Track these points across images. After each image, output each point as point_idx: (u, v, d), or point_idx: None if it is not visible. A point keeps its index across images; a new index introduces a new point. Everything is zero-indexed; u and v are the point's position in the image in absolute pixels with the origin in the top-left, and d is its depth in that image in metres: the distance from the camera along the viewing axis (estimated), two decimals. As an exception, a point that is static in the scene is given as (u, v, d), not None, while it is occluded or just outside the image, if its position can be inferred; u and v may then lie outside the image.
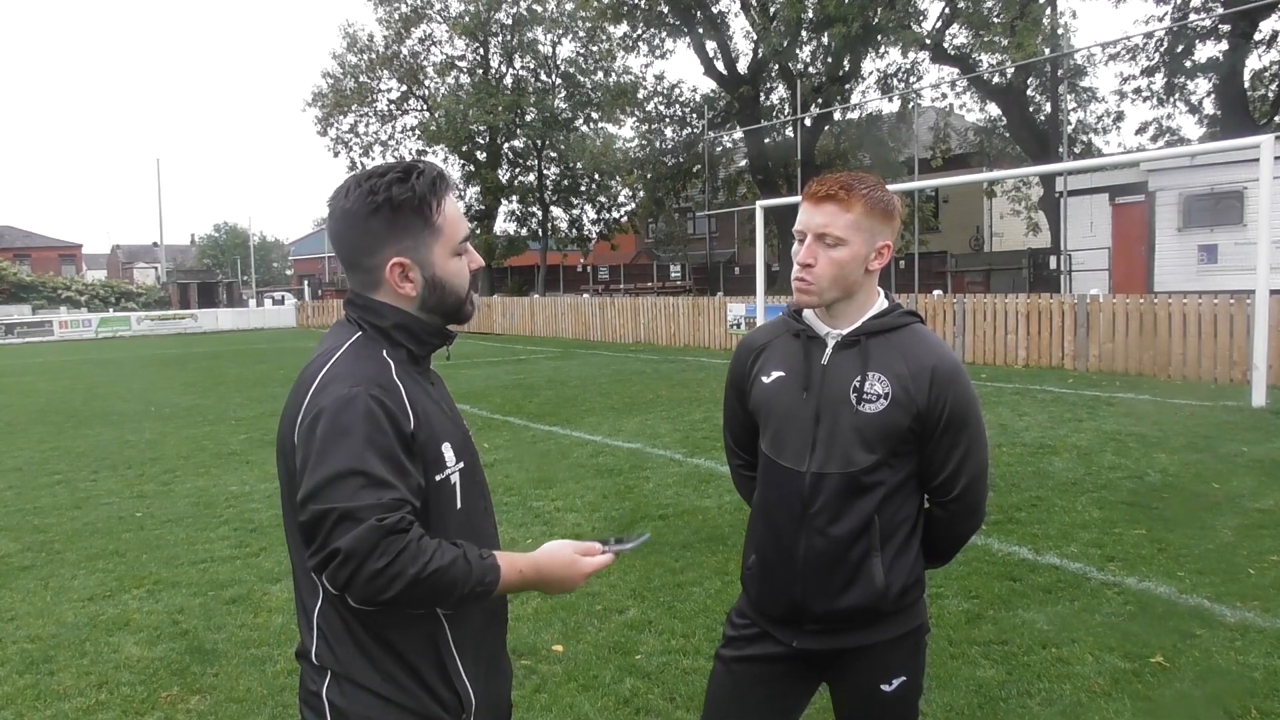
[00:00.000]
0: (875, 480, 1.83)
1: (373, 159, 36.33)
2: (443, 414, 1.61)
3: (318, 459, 1.42)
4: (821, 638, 1.88)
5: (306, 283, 53.80)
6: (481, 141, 35.30)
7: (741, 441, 2.10)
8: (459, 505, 1.58)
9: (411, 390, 1.53)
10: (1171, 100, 23.59)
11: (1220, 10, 20.59)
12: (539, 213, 36.88)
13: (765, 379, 1.93)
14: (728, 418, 2.12)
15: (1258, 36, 21.44)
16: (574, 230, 38.17)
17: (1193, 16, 21.75)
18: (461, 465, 1.59)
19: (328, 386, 1.48)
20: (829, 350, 1.88)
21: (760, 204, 17.24)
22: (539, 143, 35.88)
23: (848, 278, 1.83)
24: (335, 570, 1.39)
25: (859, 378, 1.83)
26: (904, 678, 1.91)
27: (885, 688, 1.89)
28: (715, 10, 27.65)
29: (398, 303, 1.59)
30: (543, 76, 36.32)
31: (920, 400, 1.81)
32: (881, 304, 1.90)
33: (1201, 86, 23.18)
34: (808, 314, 1.93)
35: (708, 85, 30.98)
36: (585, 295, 28.54)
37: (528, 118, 34.69)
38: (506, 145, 36.03)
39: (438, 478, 1.54)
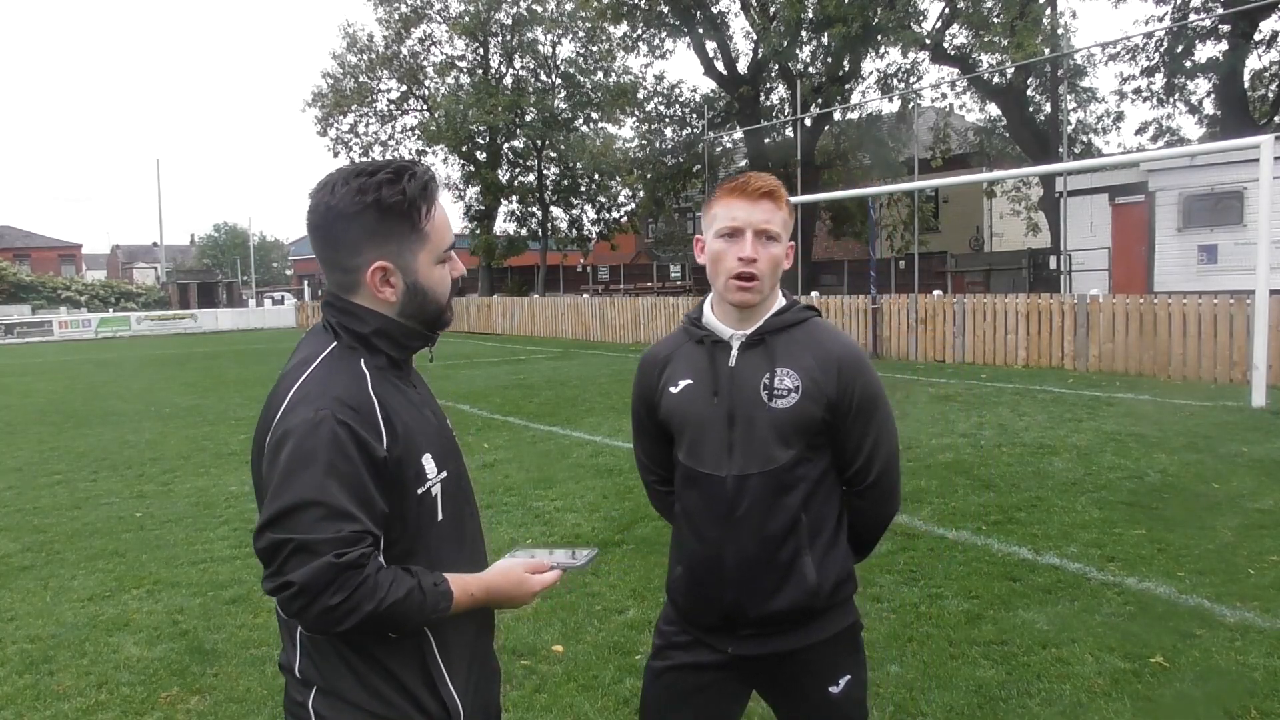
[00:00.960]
0: (796, 477, 1.83)
1: (372, 159, 36.22)
2: (424, 421, 1.56)
3: (279, 485, 1.39)
4: (757, 642, 1.87)
5: (306, 283, 53.76)
6: (481, 141, 35.28)
7: (655, 456, 2.06)
8: (440, 517, 1.54)
9: (389, 402, 1.48)
10: (1171, 100, 23.59)
11: (1220, 10, 20.59)
12: (539, 213, 36.86)
13: (673, 389, 1.92)
14: (638, 434, 2.09)
15: (1258, 36, 21.44)
16: (574, 230, 38.13)
17: (1193, 17, 21.75)
18: (444, 475, 1.55)
19: (296, 408, 1.43)
20: (734, 351, 1.87)
21: (760, 204, 17.20)
22: (539, 143, 35.86)
23: (778, 275, 1.85)
24: (287, 601, 1.37)
25: (768, 375, 1.83)
26: (848, 676, 1.90)
27: (832, 689, 1.89)
28: (715, 10, 27.65)
29: (376, 307, 1.53)
30: (543, 76, 36.31)
31: (830, 390, 1.82)
32: (780, 302, 1.91)
33: (1201, 86, 23.21)
34: (708, 318, 1.91)
35: (708, 85, 31.01)
36: (585, 295, 28.52)
37: (528, 118, 34.67)
38: (506, 145, 36.00)
39: (418, 491, 1.50)
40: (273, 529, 1.38)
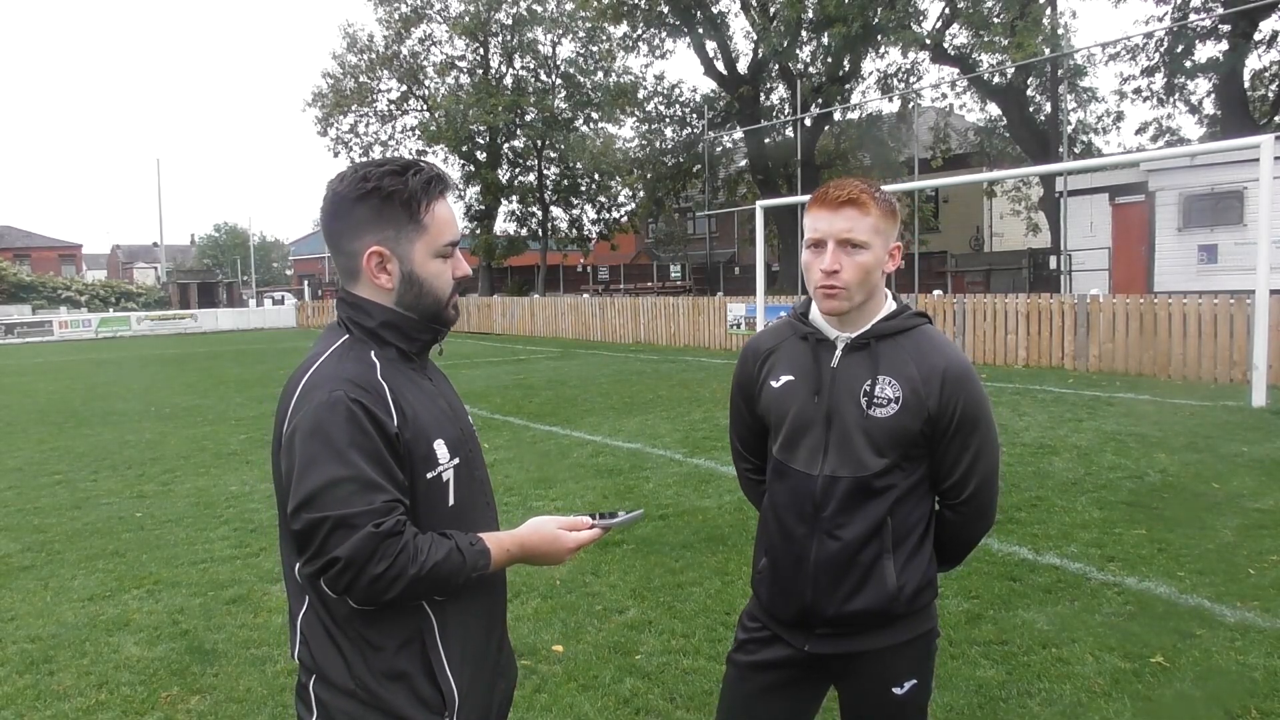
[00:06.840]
0: (886, 484, 1.82)
1: (374, 159, 36.28)
2: (438, 410, 1.60)
3: (305, 466, 1.42)
4: (832, 641, 1.88)
5: (306, 283, 53.76)
6: (481, 141, 35.28)
7: (749, 445, 2.07)
8: (451, 502, 1.58)
9: (398, 388, 1.52)
10: (1171, 100, 23.59)
11: (1220, 10, 20.59)
12: (539, 213, 36.86)
13: (774, 383, 1.92)
14: (735, 422, 2.09)
15: (1258, 36, 21.43)
16: (574, 230, 38.16)
17: (1193, 16, 21.75)
18: (456, 461, 1.59)
19: (310, 393, 1.48)
20: (838, 353, 1.86)
21: (760, 204, 17.24)
22: (539, 143, 35.85)
23: (872, 281, 1.82)
24: (335, 577, 1.41)
25: (869, 381, 1.82)
26: (914, 681, 1.90)
27: (896, 690, 1.88)
28: (715, 10, 27.63)
29: (378, 297, 1.58)
30: (543, 76, 36.30)
31: (931, 404, 1.80)
32: (890, 306, 1.89)
33: (1201, 86, 23.21)
34: (814, 316, 1.90)
35: (708, 85, 31.04)
36: (585, 295, 28.52)
37: (528, 118, 34.68)
38: (506, 145, 36.00)
39: (428, 475, 1.53)
40: (308, 509, 1.41)
